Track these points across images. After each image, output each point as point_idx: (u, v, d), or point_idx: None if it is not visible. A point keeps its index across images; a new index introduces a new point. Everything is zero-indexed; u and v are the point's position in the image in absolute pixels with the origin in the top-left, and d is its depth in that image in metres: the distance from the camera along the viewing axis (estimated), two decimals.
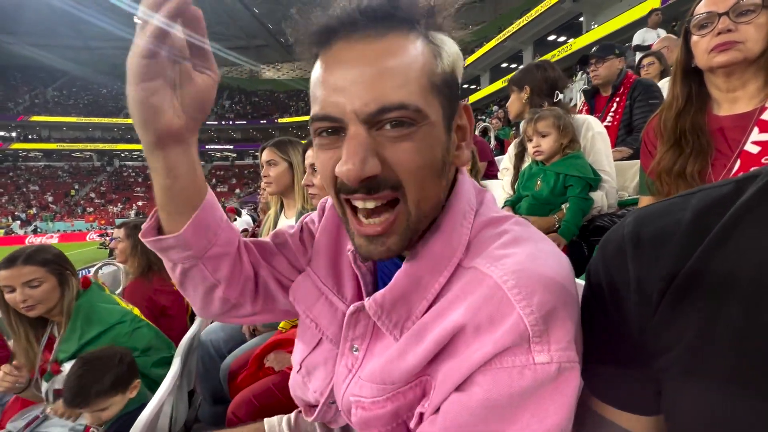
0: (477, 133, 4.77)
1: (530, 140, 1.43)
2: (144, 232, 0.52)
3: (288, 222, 1.65)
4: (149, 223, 0.52)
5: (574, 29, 18.08)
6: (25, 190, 31.88)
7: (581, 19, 17.51)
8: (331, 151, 0.43)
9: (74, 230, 25.72)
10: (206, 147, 38.29)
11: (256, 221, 7.01)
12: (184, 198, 0.50)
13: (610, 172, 1.42)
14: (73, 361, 1.19)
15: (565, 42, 17.65)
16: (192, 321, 1.88)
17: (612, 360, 0.41)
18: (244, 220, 7.27)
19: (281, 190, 1.65)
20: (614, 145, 2.09)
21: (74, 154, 36.88)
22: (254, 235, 4.41)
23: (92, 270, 3.96)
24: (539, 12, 17.81)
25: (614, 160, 1.75)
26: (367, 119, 0.40)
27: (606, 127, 2.17)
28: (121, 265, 4.01)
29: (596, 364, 0.42)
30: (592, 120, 1.49)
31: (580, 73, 10.52)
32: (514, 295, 0.38)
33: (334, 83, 0.41)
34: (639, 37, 4.69)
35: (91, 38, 38.41)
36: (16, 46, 36.29)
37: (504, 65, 22.88)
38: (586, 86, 2.69)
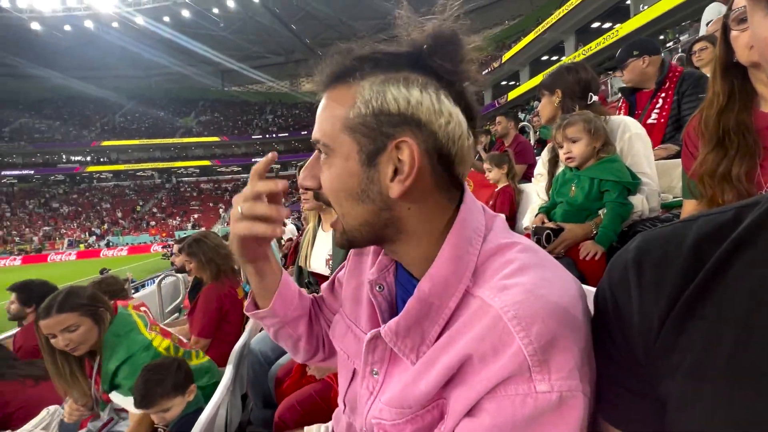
0: (480, 149, 4.49)
1: (561, 147, 1.40)
2: (246, 308, 0.70)
3: (325, 235, 1.74)
4: (249, 301, 0.70)
5: (620, 14, 16.99)
6: (98, 208, 35.43)
7: (628, 2, 16.44)
8: None
9: (140, 242, 28.17)
10: (252, 160, 40.34)
11: (300, 230, 7.30)
12: (268, 285, 0.66)
13: (650, 174, 1.35)
14: (115, 392, 1.37)
15: (610, 28, 16.65)
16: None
17: (619, 383, 0.42)
18: (288, 230, 7.60)
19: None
20: (663, 142, 1.97)
21: (138, 173, 40.42)
22: (298, 243, 4.61)
23: (156, 280, 4.34)
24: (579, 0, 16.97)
25: (659, 159, 1.66)
26: (314, 146, 0.55)
27: (651, 125, 2.05)
28: (180, 276, 4.37)
29: (605, 387, 0.43)
30: (630, 121, 1.43)
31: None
32: (514, 326, 0.41)
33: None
34: (709, 14, 3.83)
35: (148, 69, 42.15)
36: (89, 81, 40.61)
37: (545, 58, 21.97)
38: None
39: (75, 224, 32.47)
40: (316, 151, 0.54)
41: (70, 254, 26.66)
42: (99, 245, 28.42)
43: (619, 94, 2.60)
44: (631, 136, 1.39)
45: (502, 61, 23.23)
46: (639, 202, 1.30)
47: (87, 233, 30.63)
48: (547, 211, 1.49)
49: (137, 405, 1.24)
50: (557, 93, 1.60)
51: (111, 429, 1.54)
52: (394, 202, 0.50)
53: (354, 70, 0.50)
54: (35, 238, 29.99)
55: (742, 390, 0.30)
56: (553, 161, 1.62)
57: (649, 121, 2.06)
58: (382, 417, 0.52)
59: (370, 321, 0.60)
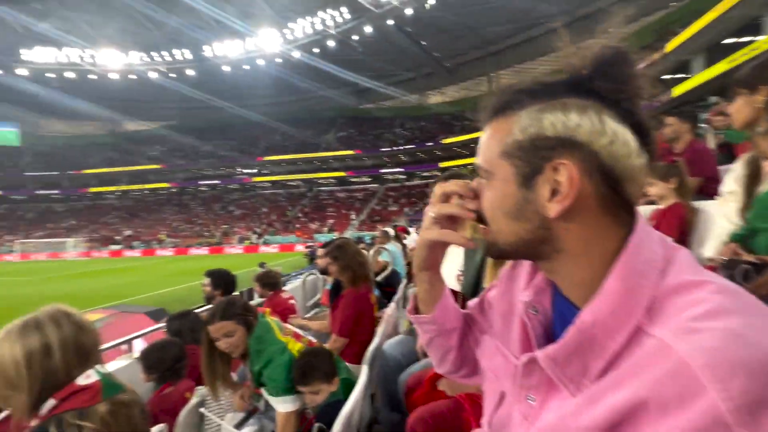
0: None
1: (766, 158, 1.10)
2: (408, 311, 0.78)
3: (457, 251, 1.74)
4: (411, 306, 0.77)
5: None
6: (260, 212, 42.89)
7: None
8: None
9: (288, 242, 33.00)
10: (380, 171, 43.12)
11: None
12: (435, 294, 0.72)
13: None
14: (268, 394, 1.57)
15: None
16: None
17: None
18: (412, 239, 7.85)
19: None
20: None
21: (288, 183, 47.58)
22: None
23: (300, 277, 4.99)
24: None
25: None
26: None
27: None
28: (320, 275, 4.93)
29: None
30: None
31: None
32: (706, 375, 0.35)
33: None
34: None
35: (298, 94, 49.43)
36: (256, 109, 50.05)
37: (729, 41, 17.51)
38: None
39: (243, 224, 39.98)
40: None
41: (238, 248, 33.05)
42: (258, 242, 34.38)
43: None
44: None
45: (666, 51, 19.41)
46: None
47: (251, 232, 37.37)
48: (742, 239, 1.18)
49: (297, 382, 1.45)
50: (761, 91, 1.25)
51: (257, 416, 1.80)
52: (552, 222, 0.51)
53: (514, 103, 0.54)
54: (217, 234, 38.04)
55: None
56: (752, 176, 1.27)
57: None
58: None
59: (521, 344, 0.60)
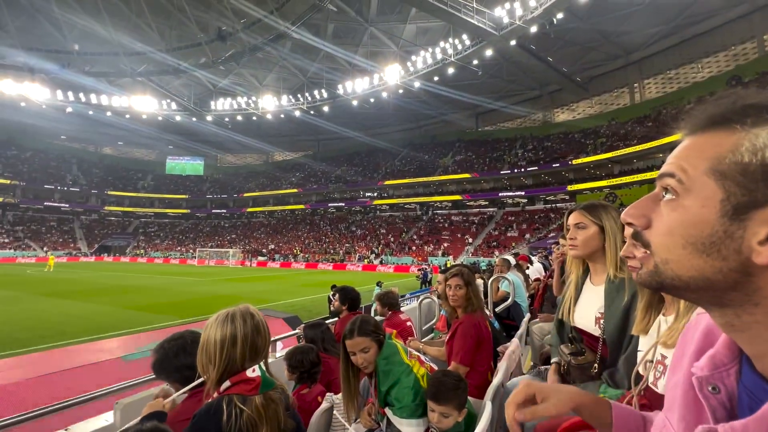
0: None
1: None
2: None
3: (596, 288, 1.56)
4: None
5: None
6: (378, 232, 45.43)
7: None
8: None
9: (403, 263, 33.94)
10: (499, 195, 41.28)
11: (548, 270, 6.79)
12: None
13: None
14: (393, 414, 1.59)
15: None
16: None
17: None
18: (535, 269, 7.24)
19: (588, 253, 1.60)
20: None
21: (405, 206, 49.38)
22: (546, 285, 4.30)
23: (415, 299, 5.07)
24: None
25: None
26: (657, 182, 0.52)
27: None
28: (436, 299, 4.94)
29: None
30: None
31: None
32: None
33: None
34: None
35: (418, 120, 51.49)
36: (379, 137, 54.08)
37: None
38: None
39: (363, 244, 42.83)
40: (654, 191, 0.52)
41: (358, 266, 35.44)
42: (375, 262, 36.27)
43: None
44: None
45: None
46: None
47: (369, 251, 39.73)
48: None
49: (429, 396, 1.49)
50: None
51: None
52: (757, 268, 0.43)
53: (743, 116, 0.46)
54: (341, 252, 41.58)
55: None
56: None
57: None
58: None
59: (689, 424, 0.51)
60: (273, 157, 68.41)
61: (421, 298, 4.97)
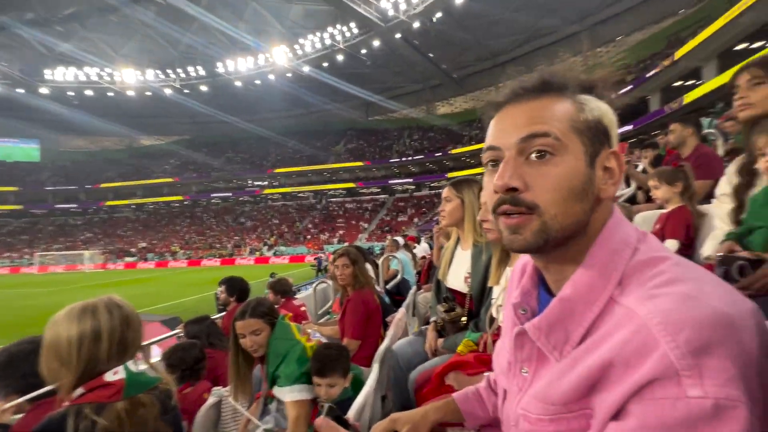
0: (645, 164, 3.84)
1: (762, 155, 1.15)
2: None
3: (464, 254, 1.80)
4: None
5: None
6: (270, 223, 43.35)
7: None
8: (493, 177, 0.57)
9: (298, 253, 33.21)
10: (389, 182, 43.32)
11: (432, 248, 7.49)
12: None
13: None
14: (278, 387, 1.58)
15: None
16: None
17: None
18: (422, 248, 7.88)
19: (453, 222, 1.83)
20: None
21: (299, 195, 48.09)
22: (431, 262, 4.74)
23: (310, 286, 5.06)
24: None
25: None
26: (518, 145, 0.54)
27: None
28: (330, 282, 5.00)
29: None
30: None
31: None
32: (659, 332, 0.41)
33: (499, 128, 0.58)
34: None
35: (308, 108, 50.30)
36: (268, 123, 51.09)
37: (741, 47, 17.37)
38: None
39: (254, 236, 40.41)
40: (513, 154, 0.55)
41: (250, 260, 33.40)
42: (269, 254, 34.68)
43: None
44: None
45: (675, 59, 19.33)
46: None
47: (262, 243, 37.72)
48: (738, 237, 1.22)
49: (315, 373, 1.49)
50: None
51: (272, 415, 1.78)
52: (598, 203, 0.55)
53: (568, 86, 0.56)
54: (229, 246, 38.50)
55: None
56: (745, 183, 1.31)
57: None
58: (528, 409, 0.56)
59: (509, 334, 0.65)
60: (139, 142, 58.64)
61: (316, 283, 4.97)
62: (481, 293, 1.63)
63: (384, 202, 43.38)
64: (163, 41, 38.39)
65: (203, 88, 40.02)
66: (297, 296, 4.79)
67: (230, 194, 48.97)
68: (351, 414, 1.20)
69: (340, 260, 2.43)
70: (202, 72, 38.20)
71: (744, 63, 1.33)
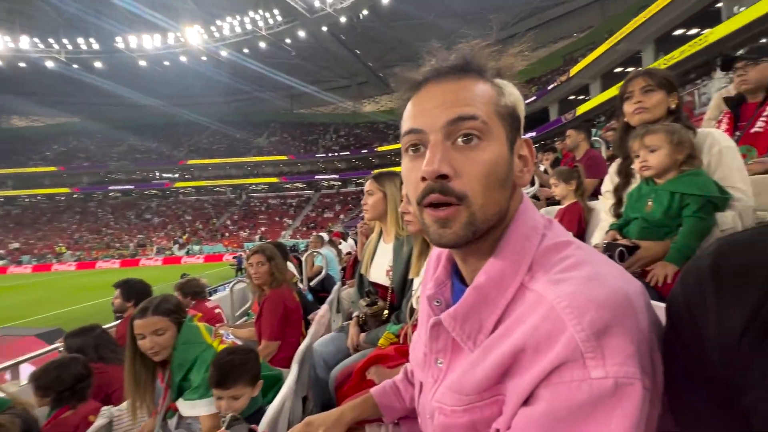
0: (546, 166, 4.39)
1: (637, 156, 1.33)
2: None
3: (386, 247, 1.80)
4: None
5: (708, 19, 15.39)
6: (182, 219, 39.55)
7: (719, 4, 14.88)
8: (417, 163, 0.53)
9: (215, 252, 30.83)
10: (315, 177, 42.47)
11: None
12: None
13: (744, 189, 1.22)
14: (184, 399, 1.40)
15: (697, 35, 15.14)
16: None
17: (696, 394, 0.40)
18: (349, 244, 7.85)
19: (376, 216, 1.82)
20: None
21: (216, 189, 44.59)
22: (356, 257, 4.74)
23: (228, 286, 4.73)
24: (661, 6, 15.67)
25: (755, 173, 1.49)
26: (445, 128, 0.50)
27: (756, 133, 1.92)
28: (247, 281, 4.71)
29: (681, 399, 0.42)
30: (717, 134, 1.31)
31: (719, 70, 8.94)
32: (566, 315, 0.42)
33: (421, 108, 0.54)
34: None
35: (228, 95, 46.92)
36: (181, 108, 46.32)
37: (618, 70, 20.56)
38: (730, 92, 2.36)
39: (163, 233, 36.50)
40: (440, 138, 0.51)
41: (157, 260, 30.05)
42: (180, 253, 31.62)
43: (707, 106, 2.39)
44: (721, 149, 1.27)
45: (570, 76, 22.15)
46: (730, 219, 1.18)
47: (172, 242, 34.24)
48: (619, 227, 1.40)
49: (214, 384, 1.28)
50: (674, 96, 1.42)
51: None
52: (515, 191, 0.55)
53: (487, 69, 0.54)
54: (131, 245, 34.21)
55: None
56: (624, 178, 1.52)
57: (754, 129, 1.91)
58: (443, 401, 0.55)
59: (425, 325, 0.63)
60: (9, 122, 48.88)
61: (233, 282, 4.63)
62: (403, 286, 1.65)
63: (309, 198, 42.40)
64: (45, 5, 32.45)
65: (98, 64, 34.74)
66: (212, 298, 4.43)
67: (132, 187, 43.41)
68: (265, 421, 1.11)
69: (255, 257, 2.27)
70: (96, 46, 33.11)
71: (629, 75, 1.52)
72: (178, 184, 43.49)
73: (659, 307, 0.47)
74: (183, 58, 34.33)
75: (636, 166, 1.34)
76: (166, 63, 36.10)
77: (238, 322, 3.84)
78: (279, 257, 2.31)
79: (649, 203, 1.30)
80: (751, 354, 0.34)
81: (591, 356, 0.40)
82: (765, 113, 1.91)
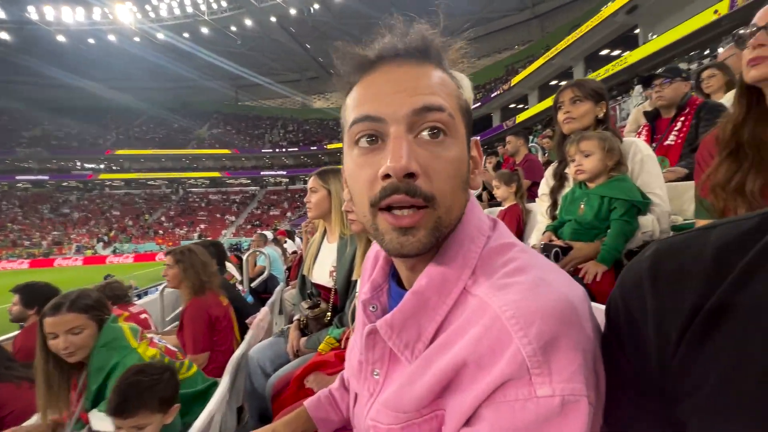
0: (489, 169, 4.65)
1: (572, 160, 1.40)
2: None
3: (330, 246, 1.73)
4: None
5: (629, 42, 17.26)
6: (108, 215, 35.89)
7: (637, 31, 16.71)
8: (372, 157, 0.46)
9: (146, 251, 28.36)
10: (261, 173, 40.81)
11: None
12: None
13: (661, 195, 1.33)
14: (99, 410, 1.22)
15: (619, 56, 16.87)
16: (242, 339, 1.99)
17: (632, 401, 0.39)
18: (296, 243, 7.60)
19: (320, 214, 1.75)
20: (678, 163, 2.00)
21: (149, 182, 41.03)
22: (302, 256, 4.59)
23: (159, 288, 4.34)
24: (590, 27, 17.30)
25: (668, 181, 1.64)
26: (409, 118, 0.44)
27: (669, 146, 2.12)
28: None
29: (616, 405, 0.41)
30: (641, 143, 1.43)
31: (637, 88, 10.03)
32: (512, 326, 0.39)
33: (377, 92, 0.46)
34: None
35: (166, 81, 43.43)
36: (109, 91, 41.91)
37: (553, 83, 22.28)
38: (647, 108, 2.64)
39: (84, 230, 32.84)
40: (401, 131, 0.44)
41: (76, 260, 26.88)
42: (105, 252, 28.66)
43: (626, 120, 2.65)
44: (643, 157, 1.38)
45: (511, 85, 23.58)
46: (650, 222, 1.27)
47: (96, 240, 30.94)
48: (554, 229, 1.47)
49: (111, 412, 1.08)
50: (602, 105, 1.52)
51: None
52: (468, 197, 0.50)
53: (444, 60, 0.49)
54: (44, 243, 30.34)
55: None
56: (559, 181, 1.60)
57: (667, 142, 2.13)
58: (379, 419, 0.50)
59: (359, 331, 0.58)
60: None
61: (164, 284, 4.26)
62: (347, 287, 1.59)
63: (254, 194, 40.62)
64: None
65: (4, 35, 30.28)
66: (138, 302, 4.03)
67: (47, 177, 38.44)
68: None
69: (167, 259, 2.03)
70: (2, 14, 28.85)
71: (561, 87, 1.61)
72: (103, 176, 39.34)
73: (599, 309, 0.47)
74: (111, 37, 31.10)
75: (571, 170, 1.41)
76: (91, 41, 32.48)
77: (167, 328, 3.53)
78: (197, 259, 2.03)
79: (582, 206, 1.38)
80: (689, 360, 0.33)
81: (537, 372, 0.37)
82: (676, 128, 2.13)
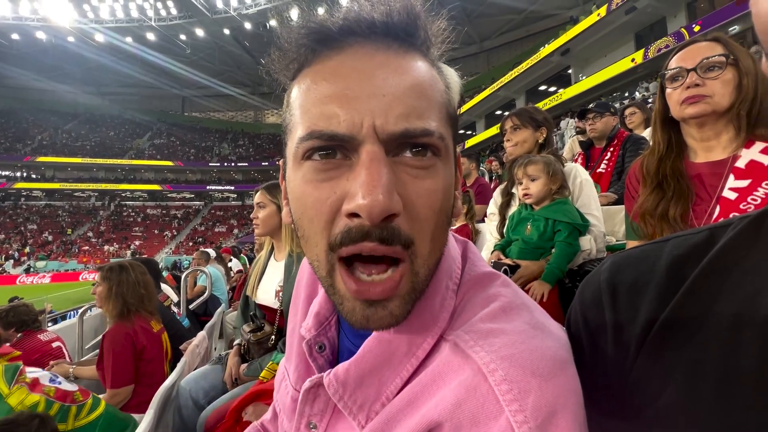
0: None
1: (520, 183, 1.46)
2: None
3: (277, 265, 1.63)
4: None
5: (563, 80, 19.19)
6: (23, 229, 31.81)
7: (570, 71, 18.61)
8: (330, 175, 0.33)
9: (67, 270, 25.36)
10: (207, 188, 38.79)
11: (252, 262, 6.94)
12: None
13: (598, 217, 1.43)
14: None
15: (555, 92, 18.62)
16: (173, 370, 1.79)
17: (594, 420, 0.36)
18: (243, 261, 7.19)
19: (269, 231, 1.65)
20: (609, 189, 2.19)
21: (75, 194, 37.20)
22: (247, 275, 4.34)
23: (79, 311, 3.85)
24: (530, 65, 19.04)
25: (601, 205, 1.78)
26: (390, 138, 0.31)
27: (600, 173, 2.36)
28: None
29: None
30: (579, 168, 1.54)
31: (572, 121, 11.13)
32: (504, 394, 0.30)
33: (343, 93, 0.32)
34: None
35: (102, 86, 40.34)
36: (33, 93, 37.92)
37: (498, 112, 23.93)
38: (581, 138, 2.95)
39: None
40: (379, 152, 0.31)
41: None
42: (15, 271, 25.19)
43: (562, 149, 2.94)
44: (582, 181, 1.48)
45: (460, 112, 24.85)
46: (588, 243, 1.35)
47: (4, 257, 27.15)
48: (502, 248, 1.51)
49: None
50: (542, 131, 1.63)
51: None
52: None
53: (432, 46, 0.36)
54: None
55: (732, 414, 0.27)
56: (506, 202, 1.67)
57: (599, 170, 2.34)
58: None
59: (301, 376, 0.47)
60: None
61: (84, 307, 3.78)
62: None
63: (199, 209, 38.34)
64: None
65: None
66: (52, 327, 3.55)
67: None
68: None
69: (98, 274, 1.84)
70: None
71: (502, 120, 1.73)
72: (19, 185, 35.04)
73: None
74: (40, 35, 28.43)
75: (519, 192, 1.47)
76: (15, 36, 29.42)
77: (87, 357, 3.12)
78: (132, 278, 1.84)
79: (528, 227, 1.43)
80: (648, 368, 0.32)
81: None
82: (606, 157, 2.36)
